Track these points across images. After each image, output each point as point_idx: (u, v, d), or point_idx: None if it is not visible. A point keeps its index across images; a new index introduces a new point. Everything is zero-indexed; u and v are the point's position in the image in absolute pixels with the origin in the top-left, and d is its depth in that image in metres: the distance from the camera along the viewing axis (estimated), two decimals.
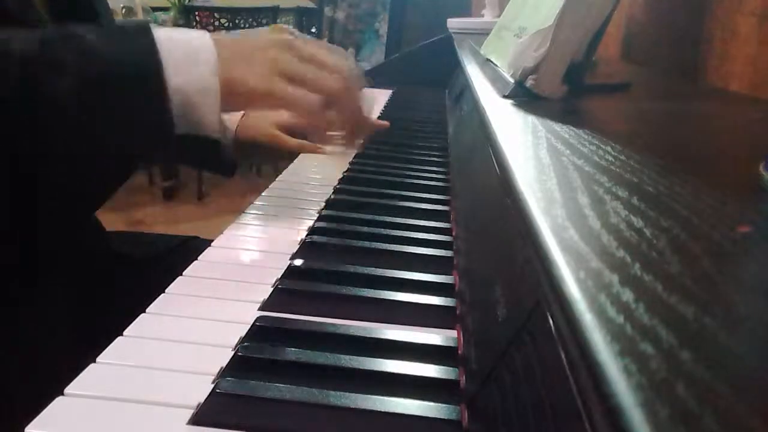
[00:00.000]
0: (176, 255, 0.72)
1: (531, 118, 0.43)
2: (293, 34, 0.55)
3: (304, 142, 0.78)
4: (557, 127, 0.40)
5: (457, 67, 1.05)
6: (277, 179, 0.68)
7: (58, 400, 0.29)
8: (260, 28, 0.64)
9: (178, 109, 0.46)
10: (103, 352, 0.33)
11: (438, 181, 0.67)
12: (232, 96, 0.48)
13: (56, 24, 0.58)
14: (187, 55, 0.46)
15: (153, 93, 0.45)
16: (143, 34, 0.46)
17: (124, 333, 0.35)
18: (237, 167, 0.49)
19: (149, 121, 0.46)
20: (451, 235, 0.52)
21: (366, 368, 0.33)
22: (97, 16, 0.65)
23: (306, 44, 0.53)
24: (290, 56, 0.51)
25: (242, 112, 0.75)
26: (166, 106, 0.45)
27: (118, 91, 0.44)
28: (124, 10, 3.57)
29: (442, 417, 0.29)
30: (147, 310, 0.37)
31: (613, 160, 0.32)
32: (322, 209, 0.57)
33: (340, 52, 0.57)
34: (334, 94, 0.51)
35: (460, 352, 0.34)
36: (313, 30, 3.61)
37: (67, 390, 0.29)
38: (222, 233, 0.51)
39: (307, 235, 0.50)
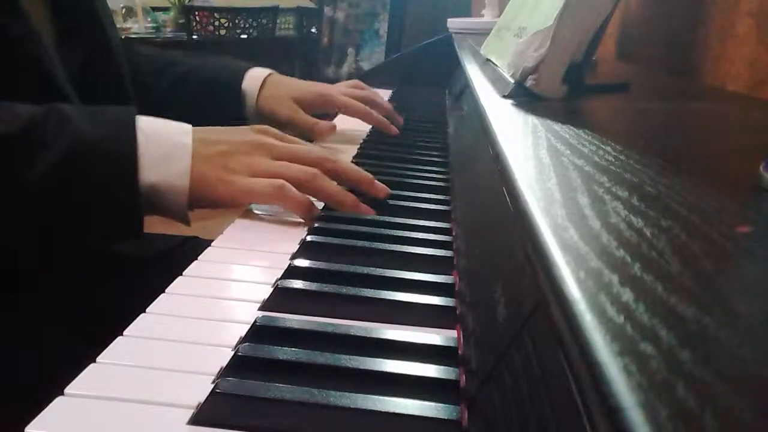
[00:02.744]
0: (176, 255, 0.73)
1: (531, 118, 0.43)
2: (275, 134, 0.57)
3: (318, 121, 0.80)
4: (557, 127, 0.40)
5: (457, 67, 1.05)
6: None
7: (58, 400, 0.29)
8: (241, 127, 0.65)
9: (147, 198, 0.48)
10: (103, 352, 0.33)
11: (438, 181, 0.67)
12: (201, 192, 0.50)
13: (56, 24, 0.58)
14: (165, 152, 0.49)
15: (125, 189, 0.47)
16: (126, 126, 0.48)
17: (124, 333, 0.35)
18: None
19: (118, 212, 0.48)
20: (451, 235, 0.52)
21: (366, 368, 0.33)
22: (98, 18, 0.65)
23: (284, 144, 0.55)
24: (263, 157, 0.53)
25: (260, 83, 0.79)
26: (136, 200, 0.47)
27: (92, 180, 0.47)
28: (124, 10, 3.57)
29: (442, 417, 0.29)
30: (147, 310, 0.37)
31: (613, 160, 0.32)
32: (322, 209, 0.57)
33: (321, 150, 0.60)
34: (303, 179, 0.53)
35: (460, 352, 0.34)
36: (313, 30, 3.62)
37: (67, 390, 0.29)
38: (222, 233, 0.51)
39: (307, 235, 0.50)
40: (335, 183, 0.55)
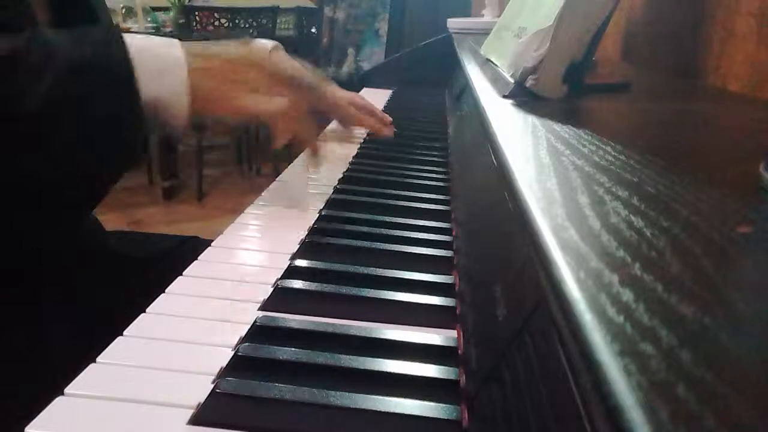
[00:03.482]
0: (176, 255, 0.72)
1: (531, 118, 0.43)
2: (275, 48, 0.56)
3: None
4: (557, 127, 0.40)
5: (457, 67, 1.05)
6: (277, 179, 0.68)
7: (58, 400, 0.29)
8: (242, 37, 0.65)
9: (149, 113, 0.47)
10: (103, 352, 0.33)
11: (438, 181, 0.67)
12: (203, 105, 0.49)
13: (56, 25, 0.58)
14: (159, 65, 0.47)
15: (127, 99, 0.46)
16: (117, 43, 0.46)
17: (124, 333, 0.35)
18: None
19: (123, 126, 0.47)
20: (451, 235, 0.52)
21: (366, 368, 0.33)
22: (97, 18, 0.65)
23: (284, 65, 0.55)
24: (264, 76, 0.53)
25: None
26: (139, 111, 0.46)
27: (92, 98, 0.45)
28: (124, 10, 3.58)
29: (442, 417, 0.29)
30: (147, 310, 0.37)
31: (613, 160, 0.32)
32: (322, 209, 0.57)
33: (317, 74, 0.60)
34: (314, 102, 0.54)
35: (460, 352, 0.34)
36: (313, 30, 3.62)
37: (67, 390, 0.30)
38: (222, 233, 0.51)
39: (307, 235, 0.50)
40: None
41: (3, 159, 0.44)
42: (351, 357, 0.33)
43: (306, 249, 0.48)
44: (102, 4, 0.67)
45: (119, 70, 0.45)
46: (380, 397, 0.30)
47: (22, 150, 0.44)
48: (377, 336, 0.36)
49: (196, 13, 3.12)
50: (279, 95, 0.54)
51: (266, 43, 0.77)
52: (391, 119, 0.88)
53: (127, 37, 0.47)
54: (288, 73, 0.55)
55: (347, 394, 0.30)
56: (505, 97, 0.51)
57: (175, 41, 0.50)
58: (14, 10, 0.52)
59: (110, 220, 0.72)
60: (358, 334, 0.36)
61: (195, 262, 0.45)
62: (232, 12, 3.13)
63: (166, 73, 0.48)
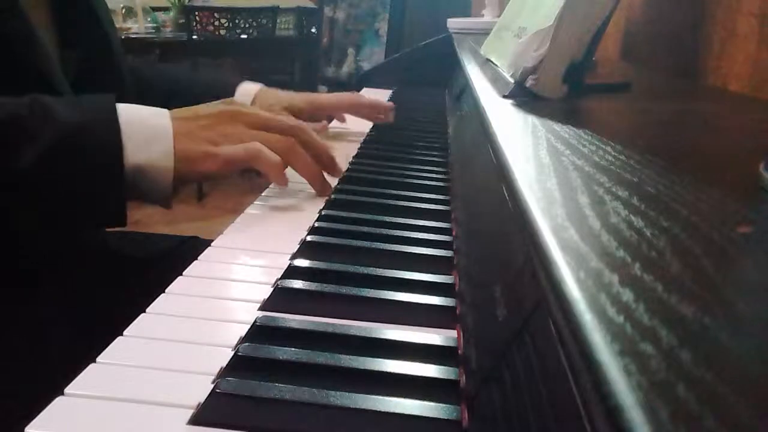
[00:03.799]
0: (176, 255, 0.73)
1: (531, 118, 0.43)
2: (242, 104, 0.60)
3: (311, 124, 0.80)
4: (557, 127, 0.40)
5: (457, 67, 1.05)
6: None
7: (58, 400, 0.29)
8: (213, 102, 0.68)
9: (132, 181, 0.49)
10: (103, 352, 0.33)
11: (438, 181, 0.67)
12: (186, 167, 0.52)
13: (58, 26, 0.58)
14: (147, 135, 0.50)
15: (111, 172, 0.48)
16: (108, 113, 0.49)
17: (124, 333, 0.35)
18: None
19: (104, 197, 0.49)
20: (451, 235, 0.52)
21: (366, 368, 0.33)
22: (97, 17, 0.65)
23: (253, 111, 0.58)
24: (240, 126, 0.55)
25: (252, 96, 0.80)
26: (120, 185, 0.48)
27: (79, 166, 0.47)
28: (124, 10, 3.58)
29: (442, 417, 0.29)
30: (147, 310, 0.37)
31: (613, 160, 0.32)
32: (322, 209, 0.57)
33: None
34: (282, 148, 0.56)
35: (460, 352, 0.34)
36: (313, 30, 3.61)
37: (67, 390, 0.29)
38: (222, 233, 0.51)
39: (307, 235, 0.50)
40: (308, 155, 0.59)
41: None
42: (351, 357, 0.33)
43: (306, 249, 0.48)
44: (102, 5, 0.67)
45: (108, 139, 0.48)
46: (380, 397, 0.30)
47: (9, 202, 0.47)
48: (377, 336, 0.36)
49: (196, 13, 3.12)
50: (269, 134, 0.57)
51: (251, 88, 0.80)
52: (390, 105, 0.91)
53: (120, 108, 0.50)
54: (263, 118, 0.57)
55: (347, 394, 0.30)
56: (505, 97, 0.51)
57: (166, 112, 0.53)
58: (9, 14, 0.53)
59: None
60: (358, 334, 0.36)
61: (195, 262, 0.45)
62: (232, 12, 3.13)
63: (154, 143, 0.50)
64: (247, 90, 0.81)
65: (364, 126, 0.92)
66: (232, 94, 0.81)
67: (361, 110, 0.90)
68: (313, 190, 0.61)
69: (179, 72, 0.89)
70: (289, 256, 0.47)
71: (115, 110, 0.49)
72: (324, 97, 0.88)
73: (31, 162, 0.45)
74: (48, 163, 0.46)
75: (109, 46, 0.67)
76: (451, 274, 0.44)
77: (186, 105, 0.68)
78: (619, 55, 0.99)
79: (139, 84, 0.77)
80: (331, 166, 0.63)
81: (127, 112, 0.50)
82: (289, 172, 0.58)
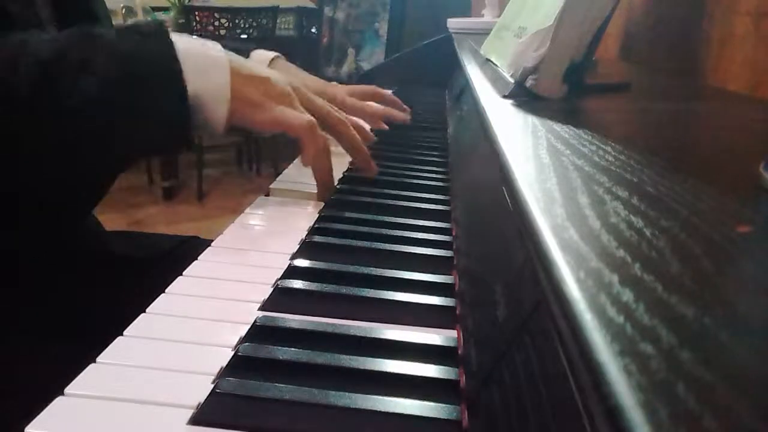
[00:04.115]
0: (176, 255, 0.72)
1: (531, 118, 0.43)
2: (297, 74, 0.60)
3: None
4: (557, 127, 0.40)
5: (457, 67, 1.05)
6: (277, 179, 0.68)
7: (58, 400, 0.29)
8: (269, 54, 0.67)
9: (192, 110, 0.48)
10: (103, 352, 0.33)
11: (438, 181, 0.67)
12: (240, 109, 0.51)
13: (58, 25, 0.58)
14: (204, 63, 0.49)
15: (173, 94, 0.47)
16: (162, 38, 0.48)
17: (124, 333, 0.35)
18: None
19: (168, 122, 0.48)
20: (451, 235, 0.52)
21: (366, 368, 0.33)
22: (95, 15, 0.65)
23: (308, 93, 0.59)
24: (293, 91, 0.56)
25: (267, 62, 0.78)
26: (185, 107, 0.47)
27: (139, 92, 0.46)
28: (124, 10, 3.58)
29: (442, 417, 0.29)
30: (147, 310, 0.37)
31: (613, 160, 0.32)
32: (322, 209, 0.57)
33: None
34: (335, 120, 0.57)
35: (460, 352, 0.34)
36: (313, 30, 3.61)
37: (67, 390, 0.29)
38: (222, 233, 0.51)
39: (307, 235, 0.50)
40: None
41: (60, 148, 0.46)
42: (351, 357, 0.33)
43: (306, 249, 0.48)
44: (101, 4, 0.67)
45: (166, 63, 0.47)
46: (380, 397, 0.30)
47: (76, 140, 0.46)
48: (377, 336, 0.36)
49: (196, 13, 3.12)
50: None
51: (266, 54, 0.78)
52: (397, 100, 0.90)
53: (173, 35, 0.49)
54: (316, 103, 0.58)
55: (347, 394, 0.30)
56: (505, 97, 0.51)
57: (217, 44, 0.52)
58: (22, 7, 0.52)
59: (110, 220, 0.72)
60: (358, 334, 0.36)
61: (195, 262, 0.45)
62: (232, 12, 3.13)
63: (210, 72, 0.49)
64: (263, 55, 0.78)
65: (363, 126, 0.91)
66: (246, 55, 0.77)
67: (375, 118, 0.89)
68: (313, 190, 0.61)
69: None
70: (289, 256, 0.47)
71: (169, 37, 0.48)
72: (341, 95, 0.86)
73: (90, 90, 0.44)
74: (107, 93, 0.45)
75: (95, 22, 0.66)
76: (451, 274, 0.44)
77: None
78: (619, 55, 0.99)
79: None
80: (366, 164, 0.64)
81: (181, 40, 0.49)
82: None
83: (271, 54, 0.79)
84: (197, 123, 0.50)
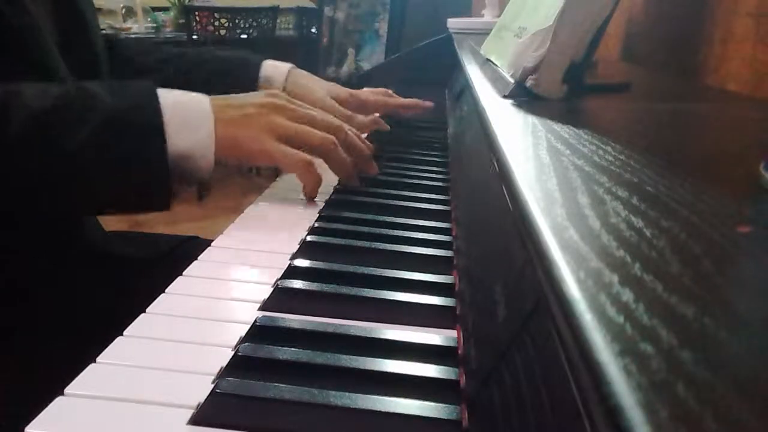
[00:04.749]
0: (176, 255, 0.73)
1: (531, 118, 0.43)
2: (286, 98, 0.59)
3: (356, 115, 0.79)
4: (557, 127, 0.40)
5: (457, 67, 1.05)
6: (277, 179, 0.68)
7: (58, 400, 0.29)
8: (253, 92, 0.66)
9: (176, 165, 0.49)
10: (103, 352, 0.33)
11: (438, 181, 0.67)
12: (228, 153, 0.53)
13: (52, 27, 0.58)
14: (187, 119, 0.51)
15: (156, 154, 0.48)
16: (149, 97, 0.50)
17: (124, 333, 0.35)
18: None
19: (148, 179, 0.49)
20: (451, 235, 0.52)
21: (366, 368, 0.33)
22: (86, 21, 0.64)
23: (297, 106, 0.58)
24: (283, 119, 0.56)
25: (286, 72, 0.79)
26: (165, 165, 0.49)
27: (123, 150, 0.48)
28: (124, 10, 3.58)
29: (442, 417, 0.29)
30: (147, 310, 0.37)
31: (613, 160, 0.32)
32: (322, 209, 0.57)
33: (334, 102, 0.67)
34: (324, 149, 0.57)
35: (460, 352, 0.34)
36: (313, 30, 3.61)
37: (67, 390, 0.30)
38: (222, 233, 0.51)
39: (307, 235, 0.50)
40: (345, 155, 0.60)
41: (36, 191, 0.47)
42: (351, 357, 0.33)
43: (306, 249, 0.48)
44: (89, 5, 0.67)
45: (151, 123, 0.48)
46: (380, 397, 0.30)
47: (57, 184, 0.47)
48: (377, 336, 0.36)
49: (196, 13, 3.12)
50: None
51: (281, 68, 0.79)
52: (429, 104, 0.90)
53: (160, 92, 0.50)
54: (308, 115, 0.58)
55: (347, 394, 0.30)
56: (505, 97, 0.51)
57: (205, 97, 0.53)
58: (15, 11, 0.52)
59: (110, 220, 0.72)
60: (358, 334, 0.36)
61: (195, 262, 0.45)
62: (232, 12, 3.13)
63: (194, 127, 0.51)
64: (279, 65, 0.79)
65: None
66: (259, 65, 0.79)
67: (400, 112, 0.89)
68: None
69: (201, 52, 0.85)
70: (289, 256, 0.47)
71: (156, 94, 0.50)
72: (366, 93, 0.87)
73: (79, 145, 0.45)
74: (94, 147, 0.46)
75: (86, 28, 0.65)
76: (451, 274, 0.44)
77: (208, 73, 0.68)
78: (619, 55, 0.99)
79: (148, 59, 0.77)
80: (369, 166, 0.65)
81: (167, 96, 0.50)
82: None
83: (287, 66, 0.79)
84: (181, 175, 0.51)
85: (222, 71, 0.78)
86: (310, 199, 0.59)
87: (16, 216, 0.51)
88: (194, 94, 0.53)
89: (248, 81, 0.77)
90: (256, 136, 0.53)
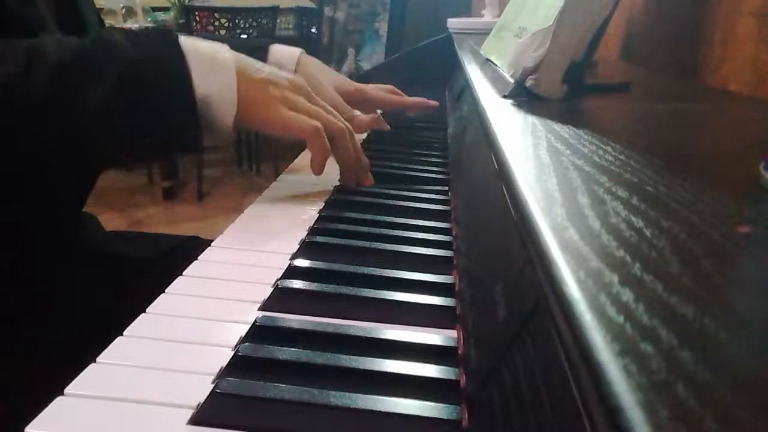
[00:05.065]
0: (176, 255, 0.73)
1: (531, 118, 0.43)
2: (304, 83, 0.59)
3: (359, 113, 0.78)
4: (557, 127, 0.40)
5: (457, 67, 1.05)
6: (277, 179, 0.68)
7: (58, 400, 0.29)
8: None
9: (200, 113, 0.49)
10: (103, 352, 0.33)
11: (438, 182, 0.67)
12: (245, 111, 0.52)
13: (57, 21, 0.58)
14: (211, 65, 0.50)
15: (181, 95, 0.48)
16: (171, 42, 0.49)
17: (124, 333, 0.35)
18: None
19: (176, 126, 0.49)
20: (451, 235, 0.52)
21: (366, 368, 0.33)
22: (84, 20, 0.64)
23: (315, 97, 0.58)
24: (299, 97, 0.56)
25: (296, 57, 0.78)
26: (193, 110, 0.48)
27: (148, 94, 0.48)
28: (124, 10, 3.58)
29: (442, 417, 0.29)
30: (147, 310, 0.37)
31: (613, 160, 0.32)
32: (322, 209, 0.57)
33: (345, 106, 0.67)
34: (336, 132, 0.57)
35: (460, 352, 0.34)
36: (313, 30, 3.61)
37: (67, 390, 0.30)
38: (222, 233, 0.51)
39: (307, 235, 0.50)
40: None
41: (64, 148, 0.47)
42: (351, 357, 0.33)
43: (306, 249, 0.48)
44: (90, 3, 0.67)
45: (174, 66, 0.48)
46: (380, 397, 0.30)
47: (81, 141, 0.47)
48: (377, 336, 0.36)
49: (196, 13, 3.12)
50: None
51: (291, 51, 0.78)
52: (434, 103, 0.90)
53: (181, 38, 0.50)
54: (319, 106, 0.58)
55: (347, 394, 0.30)
56: (505, 97, 0.51)
57: (225, 46, 0.53)
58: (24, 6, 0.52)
59: (110, 220, 0.72)
60: (358, 334, 0.36)
61: (195, 262, 0.45)
62: (232, 12, 3.13)
63: (217, 73, 0.50)
64: (288, 49, 0.77)
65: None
66: (262, 59, 0.78)
67: (404, 110, 0.89)
68: (313, 190, 0.61)
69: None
70: (289, 256, 0.47)
71: (177, 41, 0.49)
72: (372, 89, 0.86)
73: (102, 97, 0.45)
74: (118, 98, 0.46)
75: (84, 24, 0.65)
76: (451, 274, 0.44)
77: None
78: (619, 55, 0.99)
79: None
80: (365, 177, 0.64)
81: (189, 43, 0.50)
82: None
83: (297, 51, 0.78)
84: (204, 124, 0.50)
85: None
86: (317, 172, 0.58)
87: (46, 176, 0.51)
88: (215, 43, 0.53)
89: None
90: (271, 102, 0.53)
